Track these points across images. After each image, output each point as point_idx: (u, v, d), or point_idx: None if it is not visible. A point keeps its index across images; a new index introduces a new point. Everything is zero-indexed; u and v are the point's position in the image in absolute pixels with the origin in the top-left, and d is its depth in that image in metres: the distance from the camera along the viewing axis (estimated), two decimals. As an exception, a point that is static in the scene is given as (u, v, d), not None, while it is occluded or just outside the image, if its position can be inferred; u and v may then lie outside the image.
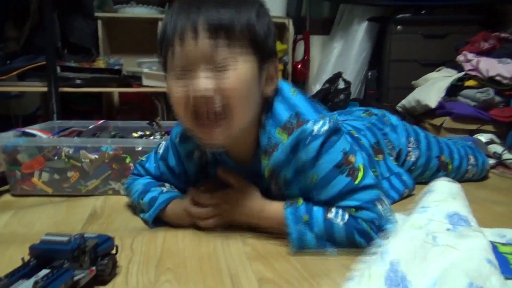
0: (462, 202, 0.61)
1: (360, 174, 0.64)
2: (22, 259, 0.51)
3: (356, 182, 0.64)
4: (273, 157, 0.65)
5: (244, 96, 0.61)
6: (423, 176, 1.04)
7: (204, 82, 0.59)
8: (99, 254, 0.53)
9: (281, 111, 0.65)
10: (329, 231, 0.63)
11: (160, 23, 2.18)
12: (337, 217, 0.63)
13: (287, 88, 0.68)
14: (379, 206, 0.64)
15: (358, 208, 0.63)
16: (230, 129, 0.63)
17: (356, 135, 0.89)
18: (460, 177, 1.07)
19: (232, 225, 0.71)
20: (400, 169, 0.94)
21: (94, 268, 0.52)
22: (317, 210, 0.65)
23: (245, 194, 0.70)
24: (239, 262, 0.61)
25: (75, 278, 0.49)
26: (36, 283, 0.44)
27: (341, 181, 0.63)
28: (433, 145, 1.03)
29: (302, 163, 0.64)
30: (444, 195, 0.61)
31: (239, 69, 0.60)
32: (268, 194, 0.71)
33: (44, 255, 0.50)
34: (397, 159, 0.99)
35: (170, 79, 0.63)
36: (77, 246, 0.50)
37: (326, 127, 0.63)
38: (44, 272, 0.49)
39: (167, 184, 0.80)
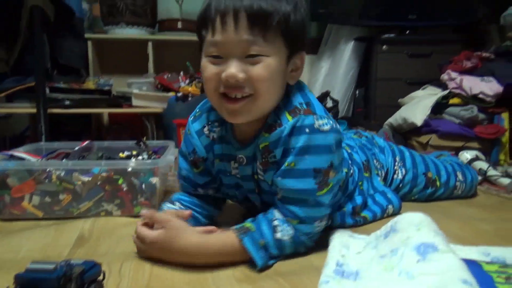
0: (426, 230, 0.63)
1: (325, 190, 0.69)
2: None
3: (318, 193, 0.68)
4: (274, 132, 0.69)
5: (271, 85, 0.66)
6: (411, 193, 1.06)
7: (237, 71, 0.63)
8: (85, 281, 0.53)
9: (296, 97, 0.70)
10: (280, 249, 0.68)
11: (150, 44, 2.21)
12: (284, 234, 0.68)
13: (305, 85, 0.75)
14: (317, 223, 0.70)
15: (301, 220, 0.68)
16: (254, 112, 0.68)
17: (349, 151, 0.93)
18: (450, 193, 1.09)
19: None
20: (386, 188, 0.96)
21: None
22: (267, 231, 0.67)
23: (179, 231, 0.67)
24: (229, 284, 0.61)
25: None
26: None
27: (308, 183, 0.67)
28: (418, 162, 1.06)
29: (289, 147, 0.68)
30: (408, 232, 0.64)
31: (270, 62, 0.64)
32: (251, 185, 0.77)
33: (30, 284, 0.50)
34: (385, 178, 1.02)
35: (205, 58, 0.67)
36: (63, 274, 0.50)
37: (327, 127, 0.67)
38: None
39: (177, 203, 0.82)
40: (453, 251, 0.58)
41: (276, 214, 0.70)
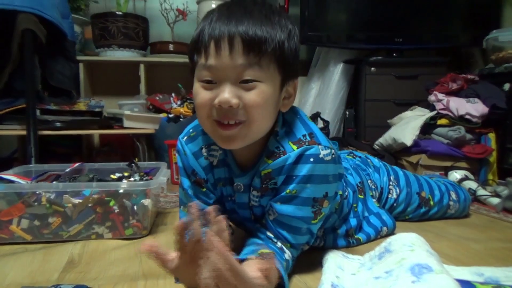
0: (419, 251, 0.64)
1: (318, 218, 0.71)
2: None
3: (313, 221, 0.70)
4: (278, 160, 0.68)
5: (265, 111, 0.65)
6: (405, 212, 1.07)
7: (230, 96, 0.62)
8: None
9: (298, 129, 0.71)
10: (287, 269, 0.69)
11: (142, 66, 2.22)
12: (288, 256, 0.69)
13: (303, 113, 0.75)
14: (302, 248, 0.74)
15: (292, 245, 0.70)
16: (248, 138, 0.67)
17: (344, 173, 0.93)
18: (443, 213, 1.11)
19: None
20: (380, 209, 0.97)
21: None
22: (280, 254, 0.68)
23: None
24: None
25: None
26: None
27: (306, 211, 0.69)
28: (412, 182, 1.08)
29: (292, 174, 0.68)
30: (402, 252, 0.65)
31: (263, 88, 0.64)
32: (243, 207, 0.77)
33: None
34: (379, 197, 1.02)
35: (197, 83, 0.66)
36: None
37: (329, 158, 0.68)
38: None
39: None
40: (447, 271, 0.59)
41: (271, 235, 0.70)
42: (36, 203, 0.91)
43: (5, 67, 1.64)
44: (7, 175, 1.02)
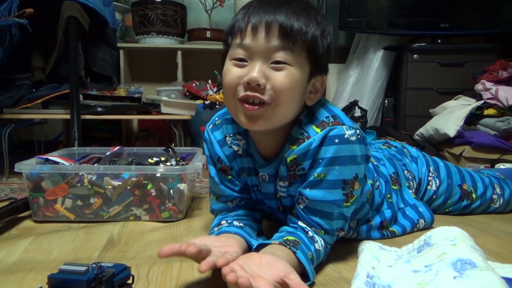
0: (462, 246, 0.61)
1: (350, 201, 0.69)
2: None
3: (344, 204, 0.69)
4: (302, 145, 0.67)
5: (291, 95, 0.65)
6: (445, 205, 1.03)
7: (259, 76, 0.63)
8: (115, 284, 0.54)
9: (321, 113, 0.70)
10: (318, 260, 0.68)
11: (179, 53, 2.25)
12: (320, 245, 0.68)
13: (328, 101, 0.74)
14: (338, 233, 0.72)
15: (325, 232, 0.69)
16: (272, 121, 0.66)
17: (375, 163, 0.91)
18: (486, 207, 1.05)
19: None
20: (417, 201, 0.93)
21: None
22: (309, 244, 0.66)
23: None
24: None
25: None
26: None
27: (337, 194, 0.68)
28: (454, 174, 1.03)
29: (318, 157, 0.67)
30: (444, 247, 0.63)
31: (292, 72, 0.64)
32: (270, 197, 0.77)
33: (62, 285, 0.51)
34: (418, 189, 0.98)
35: (229, 62, 0.67)
36: (94, 277, 0.51)
37: (354, 138, 0.66)
38: None
39: (234, 221, 0.77)
40: (492, 268, 0.56)
41: (303, 225, 0.69)
42: (78, 184, 0.95)
43: (51, 54, 1.71)
44: (53, 156, 1.07)
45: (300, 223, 0.70)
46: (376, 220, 0.84)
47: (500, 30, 2.15)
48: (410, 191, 0.94)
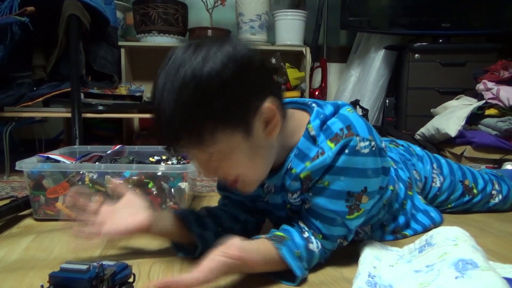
0: (464, 246, 0.61)
1: (355, 214, 0.67)
2: (42, 286, 0.51)
3: (348, 216, 0.66)
4: (316, 161, 0.64)
5: (246, 166, 0.63)
6: (448, 201, 1.03)
7: (207, 173, 0.65)
8: (116, 283, 0.54)
9: (335, 125, 0.65)
10: (310, 262, 0.66)
11: (180, 52, 2.24)
12: (314, 247, 0.66)
13: (344, 108, 0.69)
14: (340, 241, 0.69)
15: (324, 236, 0.67)
16: (254, 183, 0.67)
17: (395, 166, 0.89)
18: (486, 201, 1.06)
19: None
20: (428, 206, 0.93)
21: None
22: (300, 241, 0.65)
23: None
24: (257, 292, 0.60)
25: None
26: None
27: (340, 205, 0.65)
28: (455, 170, 1.03)
29: (330, 166, 0.64)
30: (445, 247, 0.62)
31: (227, 156, 0.61)
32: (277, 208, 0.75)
33: (63, 283, 0.50)
34: (423, 187, 0.98)
35: None
36: (95, 275, 0.50)
37: (367, 150, 0.64)
38: None
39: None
40: (493, 269, 0.56)
41: (302, 225, 0.69)
42: (80, 182, 0.95)
43: (52, 52, 1.71)
44: (54, 155, 1.07)
45: (300, 223, 0.69)
46: (391, 226, 0.84)
47: (502, 30, 2.14)
48: (419, 196, 0.94)
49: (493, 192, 1.06)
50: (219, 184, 0.83)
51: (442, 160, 1.04)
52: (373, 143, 0.65)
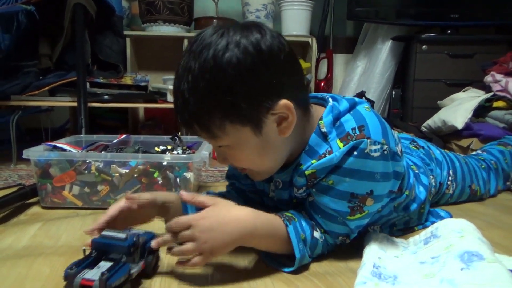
0: (470, 238, 0.61)
1: (357, 216, 0.66)
2: (84, 250, 0.57)
3: (349, 217, 0.65)
4: (323, 160, 0.63)
5: (256, 161, 0.64)
6: (452, 202, 1.05)
7: (219, 156, 0.66)
8: (146, 251, 0.58)
9: (348, 122, 0.64)
10: (313, 249, 0.66)
11: (186, 41, 2.24)
12: (318, 235, 0.66)
13: (362, 105, 0.68)
14: (341, 238, 0.68)
15: (325, 232, 0.67)
16: (265, 173, 0.68)
17: (417, 171, 0.87)
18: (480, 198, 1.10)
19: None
20: (436, 208, 0.93)
21: (143, 262, 0.58)
22: (306, 226, 0.65)
23: (229, 204, 0.61)
24: (262, 283, 0.61)
25: (131, 272, 0.54)
26: (102, 274, 0.50)
27: (341, 205, 0.64)
28: (466, 174, 1.03)
29: (336, 166, 0.63)
30: (451, 239, 0.62)
31: (236, 148, 0.62)
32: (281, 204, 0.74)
33: (104, 248, 0.56)
34: (436, 193, 0.98)
35: None
36: (133, 243, 0.56)
37: (377, 154, 0.62)
38: (103, 263, 0.55)
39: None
40: (499, 261, 0.56)
41: (306, 215, 0.69)
42: (86, 171, 0.96)
43: (58, 42, 1.71)
44: (60, 143, 1.08)
45: (305, 214, 0.69)
46: (400, 226, 0.82)
47: (510, 21, 2.11)
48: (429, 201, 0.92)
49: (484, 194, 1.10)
50: (227, 174, 0.84)
51: (457, 164, 1.02)
52: (385, 146, 0.63)
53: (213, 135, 0.60)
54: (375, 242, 0.72)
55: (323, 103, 0.71)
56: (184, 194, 0.60)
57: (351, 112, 0.66)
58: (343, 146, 0.62)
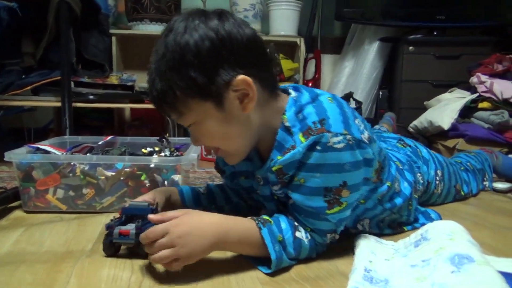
0: (460, 240, 0.61)
1: (337, 209, 0.66)
2: (113, 218, 0.71)
3: (328, 211, 0.66)
4: (287, 155, 0.65)
5: (222, 138, 0.67)
6: (439, 202, 1.05)
7: (195, 143, 0.71)
8: (154, 213, 0.69)
9: (310, 115, 0.65)
10: (298, 250, 0.66)
11: (173, 40, 2.21)
12: (302, 235, 0.67)
13: (325, 96, 0.69)
14: (329, 235, 0.69)
15: (312, 230, 0.68)
16: (237, 155, 0.71)
17: (401, 167, 0.87)
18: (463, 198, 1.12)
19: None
20: (427, 208, 0.93)
21: None
22: (286, 227, 0.66)
23: (199, 212, 0.65)
24: (253, 286, 0.60)
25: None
26: (136, 226, 0.66)
27: (317, 201, 0.65)
28: (451, 174, 1.05)
29: (303, 161, 0.64)
30: (441, 241, 0.62)
31: (202, 124, 0.66)
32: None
33: (132, 213, 0.69)
34: (424, 191, 0.98)
35: None
36: (155, 208, 0.72)
37: (341, 145, 0.63)
38: (131, 225, 0.68)
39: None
40: (489, 263, 0.56)
41: (291, 217, 0.69)
42: (71, 174, 0.93)
43: (41, 39, 1.66)
44: (44, 145, 1.04)
45: (289, 216, 0.69)
46: (389, 223, 0.82)
47: (497, 23, 2.14)
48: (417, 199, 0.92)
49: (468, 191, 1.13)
50: (215, 163, 0.86)
51: (444, 164, 1.03)
52: (348, 136, 0.64)
53: (179, 113, 0.64)
54: (365, 245, 0.71)
55: (286, 93, 0.72)
56: (152, 217, 0.63)
57: (314, 104, 0.67)
58: (305, 140, 0.63)
